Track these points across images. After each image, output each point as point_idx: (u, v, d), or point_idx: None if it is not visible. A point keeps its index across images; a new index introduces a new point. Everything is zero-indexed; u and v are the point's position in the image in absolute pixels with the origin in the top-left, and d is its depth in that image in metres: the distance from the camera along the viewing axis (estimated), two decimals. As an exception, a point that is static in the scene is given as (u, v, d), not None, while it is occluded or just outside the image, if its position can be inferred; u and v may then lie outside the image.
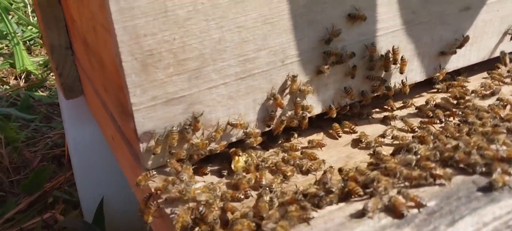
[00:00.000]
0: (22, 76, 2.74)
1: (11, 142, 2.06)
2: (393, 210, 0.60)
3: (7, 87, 2.66)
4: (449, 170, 0.66)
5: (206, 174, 0.78)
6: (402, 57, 0.94)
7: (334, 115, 0.90)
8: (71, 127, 1.44)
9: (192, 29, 0.71)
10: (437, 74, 1.02)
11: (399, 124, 0.91)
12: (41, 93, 2.61)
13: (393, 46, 0.92)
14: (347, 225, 0.59)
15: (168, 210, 0.67)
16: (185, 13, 0.70)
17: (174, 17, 0.69)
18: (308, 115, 0.86)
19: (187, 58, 0.73)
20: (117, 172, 1.48)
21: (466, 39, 1.01)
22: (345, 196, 0.66)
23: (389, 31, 0.91)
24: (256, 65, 0.79)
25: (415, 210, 0.60)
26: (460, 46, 1.01)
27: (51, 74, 2.75)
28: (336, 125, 0.89)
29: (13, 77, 2.76)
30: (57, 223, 1.68)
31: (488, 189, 0.62)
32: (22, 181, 1.90)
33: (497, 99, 0.93)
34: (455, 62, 1.05)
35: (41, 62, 2.91)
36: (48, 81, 2.71)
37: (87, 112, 1.34)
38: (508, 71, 1.07)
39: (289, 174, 0.75)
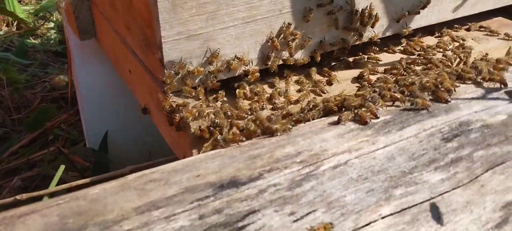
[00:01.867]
0: (14, 24, 2.83)
1: (12, 84, 2.18)
2: (360, 120, 0.83)
3: (0, 33, 2.75)
4: (403, 96, 0.89)
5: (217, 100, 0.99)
6: (376, 14, 1.15)
7: (318, 59, 1.11)
8: (81, 68, 1.60)
9: (212, -24, 0.90)
10: (404, 30, 1.24)
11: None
12: (34, 41, 2.71)
13: (370, 4, 1.13)
14: (326, 128, 0.81)
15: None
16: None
17: (199, -32, 0.88)
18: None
19: (206, 2, 0.92)
20: (121, 111, 1.66)
21: (428, 1, 1.23)
22: (326, 113, 0.88)
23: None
24: (259, 12, 0.99)
25: (375, 120, 0.83)
26: (423, 8, 1.24)
27: (43, 22, 2.85)
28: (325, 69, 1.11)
29: (4, 24, 2.86)
30: (62, 155, 1.84)
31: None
32: (23, 120, 2.04)
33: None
34: (418, 21, 1.27)
35: (31, 10, 3.00)
36: (39, 30, 2.81)
37: (96, 53, 1.50)
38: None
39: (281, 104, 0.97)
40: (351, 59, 1.20)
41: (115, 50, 1.29)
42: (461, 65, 1.10)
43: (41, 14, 2.97)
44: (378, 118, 0.83)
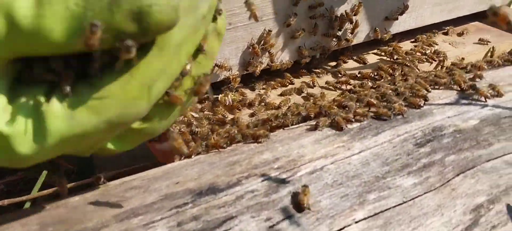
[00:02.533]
0: None
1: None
2: (336, 126, 0.85)
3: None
4: (379, 102, 0.92)
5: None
6: (356, 21, 1.18)
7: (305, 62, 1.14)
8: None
9: (192, -13, 0.91)
10: (384, 35, 1.27)
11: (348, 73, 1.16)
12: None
13: (347, 11, 1.16)
14: (304, 134, 0.84)
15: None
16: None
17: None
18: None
19: (187, 10, 0.93)
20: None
21: (406, 7, 1.26)
22: (304, 119, 0.91)
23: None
24: (240, 19, 1.01)
25: (351, 126, 0.85)
26: (401, 13, 1.27)
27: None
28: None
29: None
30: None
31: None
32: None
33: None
34: (397, 26, 1.30)
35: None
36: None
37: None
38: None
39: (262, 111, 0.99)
40: (332, 63, 1.23)
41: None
42: (436, 70, 1.13)
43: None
44: (352, 124, 0.86)
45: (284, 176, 0.73)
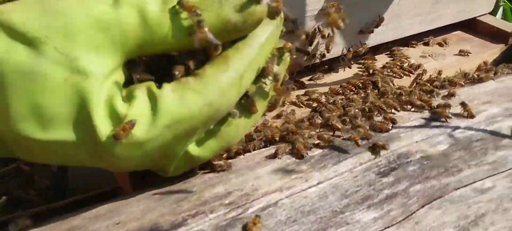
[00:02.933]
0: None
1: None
2: (297, 153, 0.81)
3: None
4: (345, 126, 0.87)
5: None
6: (328, 34, 1.13)
7: None
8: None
9: None
10: (360, 48, 1.23)
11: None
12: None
13: (320, 25, 1.12)
14: (262, 163, 0.79)
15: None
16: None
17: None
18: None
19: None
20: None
21: (381, 20, 1.22)
22: (266, 144, 0.86)
23: (315, 14, 1.10)
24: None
25: (313, 153, 0.81)
26: (377, 26, 1.22)
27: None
28: None
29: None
30: (22, 173, 1.79)
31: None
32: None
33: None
34: (374, 39, 1.25)
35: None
36: None
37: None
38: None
39: None
40: (305, 80, 1.18)
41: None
42: (410, 87, 1.08)
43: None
44: (313, 151, 0.81)
45: (234, 213, 0.69)
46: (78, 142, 0.58)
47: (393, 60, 1.26)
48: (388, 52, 1.31)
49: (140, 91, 0.60)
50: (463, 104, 0.93)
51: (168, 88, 0.60)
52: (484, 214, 0.78)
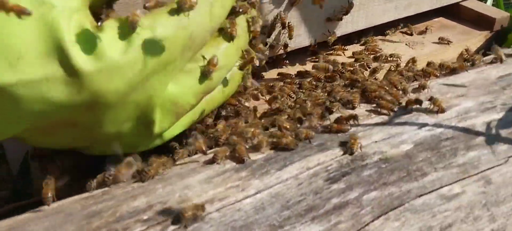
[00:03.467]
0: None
1: None
2: (237, 157, 0.70)
3: None
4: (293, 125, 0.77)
5: None
6: (288, 23, 1.03)
7: None
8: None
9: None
10: (329, 37, 1.12)
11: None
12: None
13: (280, 12, 1.01)
14: (197, 170, 0.69)
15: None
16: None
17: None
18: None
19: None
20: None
21: (350, 6, 1.11)
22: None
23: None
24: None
25: (256, 157, 0.71)
26: (346, 13, 1.11)
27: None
28: None
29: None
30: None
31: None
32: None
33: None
34: (344, 27, 1.15)
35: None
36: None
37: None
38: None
39: None
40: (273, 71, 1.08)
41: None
42: (374, 80, 0.97)
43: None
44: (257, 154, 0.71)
45: (151, 231, 0.59)
46: (51, 78, 0.55)
47: (364, 50, 1.15)
48: (361, 42, 1.21)
49: (112, 21, 0.60)
50: (431, 98, 0.83)
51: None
52: (451, 224, 0.68)
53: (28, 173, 1.54)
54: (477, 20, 1.31)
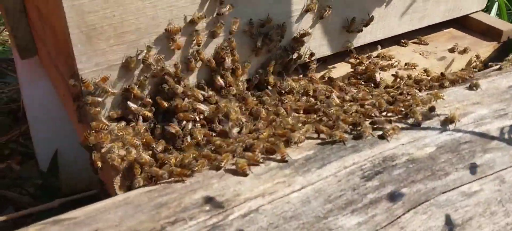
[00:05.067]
0: (-26, 31, 2.74)
1: (-34, 96, 2.10)
2: (280, 158, 0.79)
3: (-42, 42, 2.66)
4: (328, 129, 0.86)
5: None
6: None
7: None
8: (26, 84, 1.54)
9: (129, 8, 0.86)
10: (348, 44, 1.21)
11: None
12: (-7, 49, 2.63)
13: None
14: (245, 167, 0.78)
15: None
16: (123, -6, 0.84)
17: (114, -3, 0.84)
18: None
19: (125, 32, 0.87)
20: (71, 126, 1.60)
21: (371, 19, 1.20)
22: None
23: (301, 13, 1.08)
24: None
25: (297, 156, 0.80)
26: (366, 25, 1.20)
27: (4, 29, 2.77)
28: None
29: (-37, 32, 2.76)
30: (12, 173, 1.78)
31: (357, 138, 0.83)
32: (-23, 134, 1.96)
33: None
34: (363, 38, 1.24)
35: (-8, 17, 2.90)
36: (0, 37, 2.73)
37: (40, 70, 1.45)
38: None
39: None
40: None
41: (51, 71, 1.24)
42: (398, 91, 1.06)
43: (2, 21, 2.88)
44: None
45: (214, 220, 0.68)
46: None
47: (378, 58, 1.23)
48: (376, 51, 1.30)
49: None
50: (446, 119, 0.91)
51: None
52: (471, 218, 0.77)
53: (57, 170, 1.62)
54: (486, 32, 1.40)
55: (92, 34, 0.85)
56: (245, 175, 0.76)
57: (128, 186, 0.81)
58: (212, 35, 0.96)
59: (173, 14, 0.91)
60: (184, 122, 0.90)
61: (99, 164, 0.84)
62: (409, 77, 1.13)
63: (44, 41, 1.21)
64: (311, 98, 1.01)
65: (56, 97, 1.53)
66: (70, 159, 1.63)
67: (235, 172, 0.77)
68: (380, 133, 0.86)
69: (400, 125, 0.89)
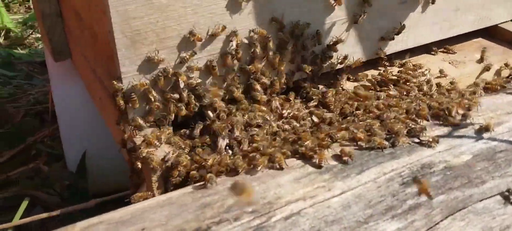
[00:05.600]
0: (1, 34, 2.81)
1: (-6, 97, 2.15)
2: (317, 164, 0.80)
3: (-13, 44, 2.72)
4: (366, 135, 0.87)
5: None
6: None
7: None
8: (58, 86, 1.58)
9: (172, 14, 0.88)
10: (380, 53, 1.22)
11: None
12: (21, 51, 2.69)
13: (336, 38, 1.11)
14: (283, 171, 0.79)
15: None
16: (166, 1, 0.87)
17: (157, 3, 0.86)
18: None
19: (167, 37, 0.90)
20: (100, 129, 1.63)
21: (402, 27, 1.21)
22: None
23: (337, 21, 1.10)
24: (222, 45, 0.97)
25: (335, 162, 0.81)
26: (398, 33, 1.22)
27: (31, 32, 2.83)
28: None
29: (-9, 34, 2.83)
30: (41, 173, 1.81)
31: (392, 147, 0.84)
32: (5, 135, 2.00)
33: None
34: (394, 46, 1.25)
35: (20, 20, 2.97)
36: (27, 40, 2.79)
37: (73, 73, 1.48)
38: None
39: None
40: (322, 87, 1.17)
41: (86, 75, 1.27)
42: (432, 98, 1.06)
43: (29, 24, 2.95)
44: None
45: (257, 221, 0.69)
46: None
47: (405, 68, 1.24)
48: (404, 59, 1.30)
49: None
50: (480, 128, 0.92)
51: None
52: (509, 226, 0.77)
53: (85, 171, 1.65)
54: (514, 42, 1.40)
55: (136, 39, 0.87)
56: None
57: (166, 187, 0.84)
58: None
59: (213, 20, 0.93)
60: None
61: (139, 164, 0.87)
62: (439, 85, 1.14)
63: (80, 45, 1.24)
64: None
65: (86, 99, 1.56)
66: (99, 161, 1.66)
67: (272, 175, 0.78)
68: (417, 140, 0.87)
69: (437, 132, 0.89)
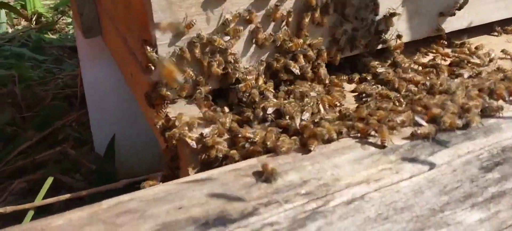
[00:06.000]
0: (33, 19, 2.79)
1: (24, 80, 2.13)
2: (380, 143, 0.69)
3: (19, 28, 2.72)
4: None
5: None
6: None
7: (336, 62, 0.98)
8: (87, 68, 1.52)
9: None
10: (439, 31, 1.09)
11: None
12: (51, 36, 2.67)
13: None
14: (340, 151, 0.68)
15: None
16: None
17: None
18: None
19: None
20: (129, 113, 1.57)
21: (465, 2, 1.08)
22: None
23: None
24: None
25: (401, 142, 0.70)
26: (460, 8, 1.09)
27: (62, 17, 2.81)
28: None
29: (23, 19, 2.82)
30: (68, 157, 1.76)
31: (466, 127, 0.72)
32: (34, 118, 1.97)
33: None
34: (454, 23, 1.12)
35: (51, 5, 2.96)
36: (58, 25, 2.77)
37: (103, 54, 1.41)
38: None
39: None
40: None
41: (118, 50, 1.19)
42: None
43: (60, 9, 2.93)
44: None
45: (313, 205, 0.59)
46: None
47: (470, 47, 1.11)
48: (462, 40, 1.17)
49: None
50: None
51: None
52: None
53: (113, 155, 1.58)
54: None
55: (173, 0, 0.78)
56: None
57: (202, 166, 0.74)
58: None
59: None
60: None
61: (174, 142, 0.78)
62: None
63: (112, 18, 1.16)
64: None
65: (116, 83, 1.50)
66: (127, 145, 1.60)
67: (326, 155, 0.67)
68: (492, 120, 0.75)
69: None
